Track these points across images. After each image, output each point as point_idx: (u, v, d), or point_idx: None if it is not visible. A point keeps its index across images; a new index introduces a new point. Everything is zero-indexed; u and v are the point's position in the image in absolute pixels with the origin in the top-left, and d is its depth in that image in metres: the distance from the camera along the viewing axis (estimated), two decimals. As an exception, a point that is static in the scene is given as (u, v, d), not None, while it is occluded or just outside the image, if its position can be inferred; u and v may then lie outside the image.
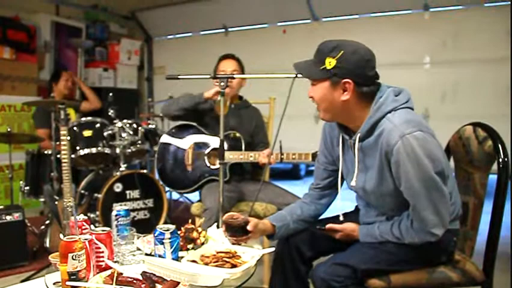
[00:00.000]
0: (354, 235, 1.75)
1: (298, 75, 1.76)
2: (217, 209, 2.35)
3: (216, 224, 1.90)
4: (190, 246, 1.68)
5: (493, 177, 1.80)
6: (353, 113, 1.63)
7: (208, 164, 2.83)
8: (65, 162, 2.82)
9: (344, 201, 1.97)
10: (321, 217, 1.98)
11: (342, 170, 1.81)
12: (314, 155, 2.57)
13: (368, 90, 1.59)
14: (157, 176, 3.02)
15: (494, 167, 1.78)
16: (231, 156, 2.61)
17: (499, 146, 1.74)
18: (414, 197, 1.56)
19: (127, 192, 3.50)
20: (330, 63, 1.55)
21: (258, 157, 2.60)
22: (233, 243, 1.73)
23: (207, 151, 2.85)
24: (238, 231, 1.74)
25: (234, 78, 2.42)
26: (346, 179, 1.80)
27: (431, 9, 4.23)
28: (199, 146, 2.88)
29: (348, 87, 1.56)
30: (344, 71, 1.55)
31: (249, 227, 1.75)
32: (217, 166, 2.69)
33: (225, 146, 2.67)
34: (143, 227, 2.82)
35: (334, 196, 1.95)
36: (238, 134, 2.76)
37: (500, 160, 1.72)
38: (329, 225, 1.78)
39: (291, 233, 1.89)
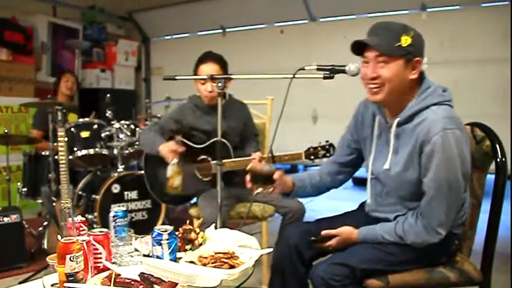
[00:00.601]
0: (351, 238, 1.74)
1: (297, 76, 1.76)
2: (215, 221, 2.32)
3: (214, 224, 1.89)
4: (188, 247, 1.67)
5: (490, 177, 1.80)
6: (407, 94, 1.64)
7: (200, 177, 2.71)
8: (62, 164, 2.81)
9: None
10: (319, 218, 1.99)
11: (367, 152, 1.82)
12: (307, 153, 2.56)
13: (419, 80, 1.65)
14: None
15: (492, 166, 1.79)
16: (225, 166, 2.52)
17: (497, 145, 1.75)
18: (435, 190, 1.58)
19: (125, 193, 3.49)
20: (406, 40, 1.56)
21: (250, 163, 2.55)
22: (258, 194, 1.82)
23: (196, 163, 2.71)
24: (264, 181, 1.78)
25: (232, 78, 2.39)
26: (373, 161, 1.79)
27: (429, 9, 4.24)
28: (186, 160, 2.69)
29: (418, 66, 1.60)
30: (418, 49, 1.59)
31: (275, 176, 1.79)
32: (209, 178, 2.67)
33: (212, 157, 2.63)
34: (141, 228, 2.81)
35: (351, 175, 1.99)
36: (225, 142, 2.62)
37: (498, 160, 1.73)
38: (324, 232, 1.76)
39: (306, 195, 1.97)
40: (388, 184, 1.74)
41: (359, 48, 1.63)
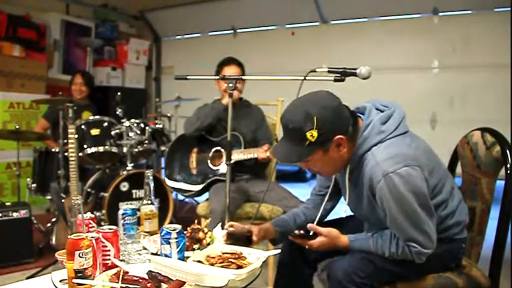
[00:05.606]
0: (337, 243, 1.67)
1: (308, 78, 1.76)
2: (222, 211, 2.36)
3: (220, 224, 1.89)
4: (196, 246, 1.68)
5: (500, 183, 1.79)
6: (350, 154, 1.60)
7: (211, 166, 2.91)
8: (72, 161, 2.83)
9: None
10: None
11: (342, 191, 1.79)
12: None
13: (353, 129, 1.57)
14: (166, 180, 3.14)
15: (502, 172, 1.78)
16: (233, 156, 2.61)
17: (507, 151, 1.73)
18: (398, 229, 1.55)
19: (134, 191, 3.50)
20: (312, 135, 1.48)
21: (257, 152, 2.71)
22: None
23: (210, 153, 2.93)
24: (241, 241, 1.75)
25: (243, 79, 2.43)
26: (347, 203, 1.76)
27: (441, 14, 4.22)
28: (203, 150, 2.99)
29: (342, 141, 1.53)
30: (329, 133, 1.50)
31: (254, 238, 1.79)
32: (219, 167, 2.86)
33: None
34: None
35: (337, 201, 1.93)
36: (236, 133, 2.80)
37: (508, 166, 1.71)
38: (310, 225, 1.66)
39: None
40: (369, 221, 1.75)
41: None
